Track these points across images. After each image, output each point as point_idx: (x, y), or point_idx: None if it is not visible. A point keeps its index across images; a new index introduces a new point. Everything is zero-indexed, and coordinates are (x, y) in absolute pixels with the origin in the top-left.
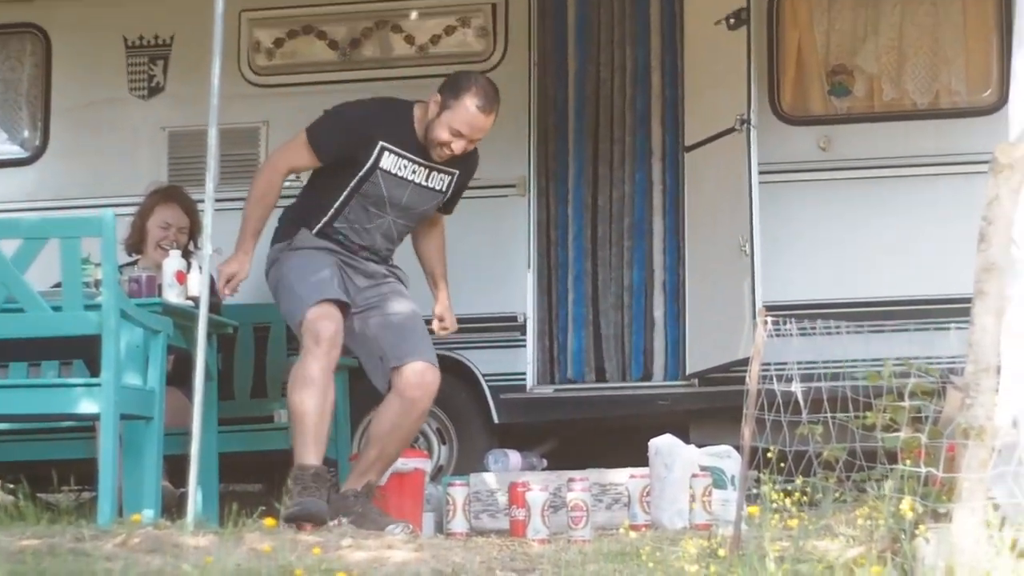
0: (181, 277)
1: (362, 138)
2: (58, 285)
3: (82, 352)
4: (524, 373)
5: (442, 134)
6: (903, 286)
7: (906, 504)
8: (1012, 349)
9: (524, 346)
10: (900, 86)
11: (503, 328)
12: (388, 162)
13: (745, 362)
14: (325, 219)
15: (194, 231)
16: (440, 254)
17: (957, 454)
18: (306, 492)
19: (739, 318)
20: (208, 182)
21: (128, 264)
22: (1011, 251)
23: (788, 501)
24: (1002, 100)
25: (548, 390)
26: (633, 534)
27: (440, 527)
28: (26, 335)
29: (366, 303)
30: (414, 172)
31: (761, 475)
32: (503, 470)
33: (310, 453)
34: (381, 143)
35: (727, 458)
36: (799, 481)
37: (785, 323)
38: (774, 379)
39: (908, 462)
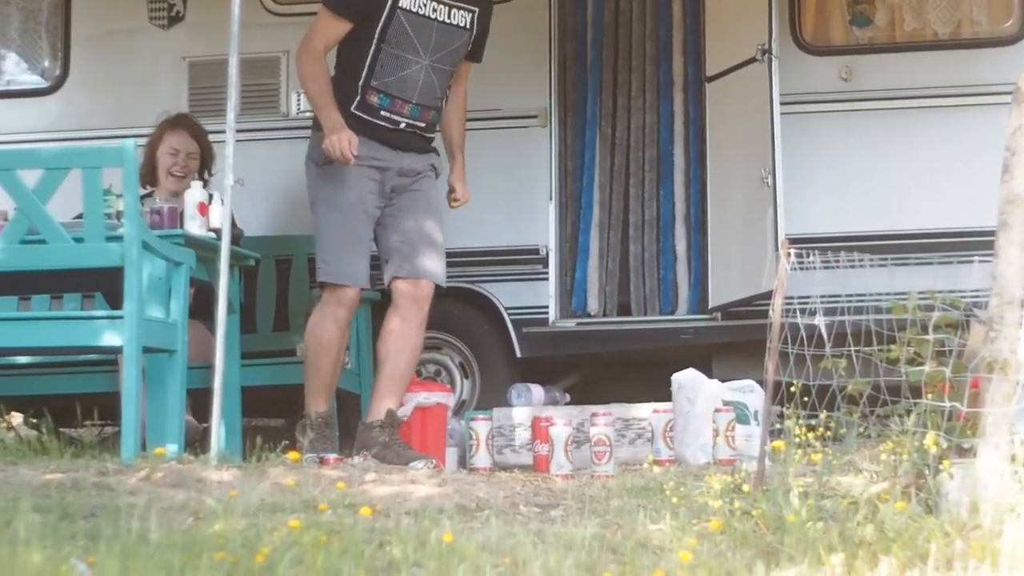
0: (203, 208)
1: None
2: (80, 216)
3: (104, 284)
4: (546, 306)
5: None
6: (926, 218)
7: (930, 439)
8: None
9: (546, 279)
10: (921, 16)
11: (525, 261)
12: (407, 1)
13: (768, 295)
14: (361, 82)
15: (205, 157)
16: (459, 121)
17: (981, 388)
18: (319, 439)
19: (762, 251)
20: (229, 112)
21: (144, 196)
22: None
23: (812, 436)
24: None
25: (570, 324)
26: (657, 469)
27: (463, 462)
28: (48, 267)
29: (393, 205)
30: (435, 10)
31: (784, 410)
32: (526, 404)
33: (322, 401)
34: None
35: (750, 392)
36: (823, 416)
37: (808, 256)
38: (797, 312)
39: (932, 396)
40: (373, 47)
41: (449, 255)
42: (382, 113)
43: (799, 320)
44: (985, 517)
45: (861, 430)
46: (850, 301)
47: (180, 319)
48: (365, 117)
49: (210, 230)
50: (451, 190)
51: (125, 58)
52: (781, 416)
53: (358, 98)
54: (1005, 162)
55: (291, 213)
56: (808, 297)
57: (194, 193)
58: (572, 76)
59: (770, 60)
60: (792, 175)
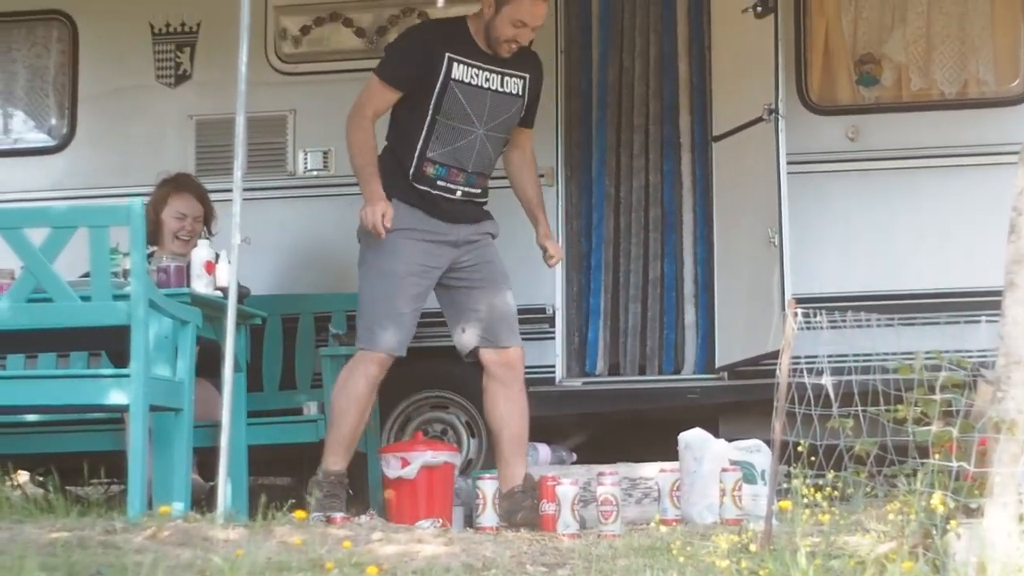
0: (210, 267)
1: (429, 55)
2: (86, 275)
3: (111, 342)
4: (553, 366)
5: (506, 30)
6: (933, 278)
7: (937, 499)
8: None
9: (553, 338)
10: (928, 76)
11: (532, 320)
12: (460, 72)
13: (775, 355)
14: (417, 153)
15: (208, 217)
16: (534, 183)
17: (988, 448)
18: (329, 499)
19: (768, 310)
20: (236, 170)
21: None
22: None
23: (819, 496)
24: None
25: (577, 383)
26: (663, 528)
27: (470, 521)
28: (55, 325)
29: (463, 279)
30: (487, 79)
31: (792, 469)
32: (532, 463)
33: (340, 459)
34: (448, 55)
35: (757, 452)
36: (830, 475)
37: (815, 315)
38: (804, 372)
39: (939, 456)
40: (428, 119)
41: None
42: (439, 183)
43: (806, 380)
44: None
45: (868, 490)
46: (857, 361)
47: (187, 377)
48: (423, 189)
49: (217, 289)
50: (544, 250)
51: (132, 116)
52: (788, 476)
53: (413, 170)
54: (1012, 222)
55: (298, 272)
56: (815, 357)
57: (201, 252)
58: (577, 136)
59: (776, 120)
60: (799, 235)
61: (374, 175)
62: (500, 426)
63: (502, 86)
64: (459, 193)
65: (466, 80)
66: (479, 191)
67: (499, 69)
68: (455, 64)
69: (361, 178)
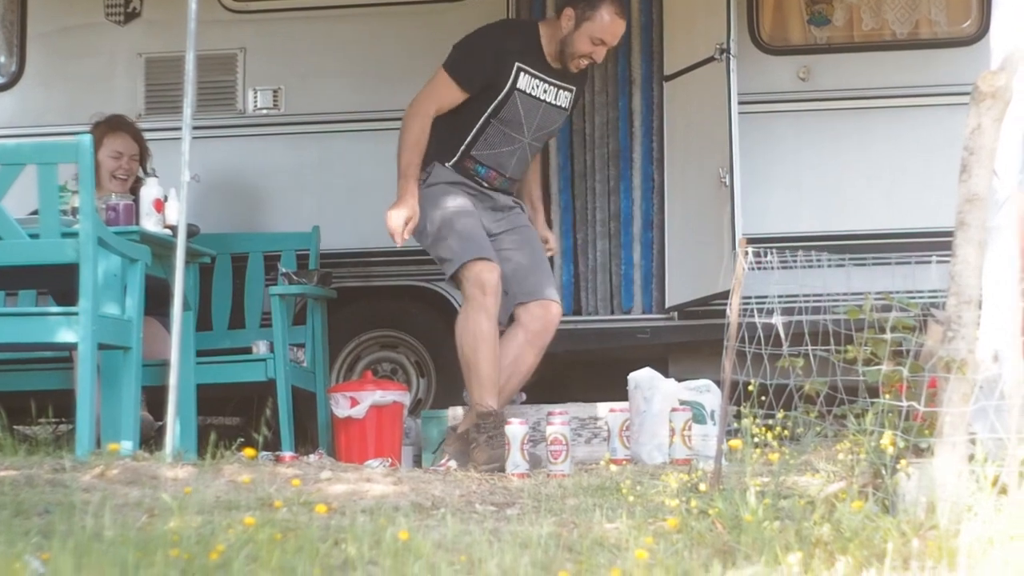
0: (159, 205)
1: (500, 62)
2: (35, 212)
3: (60, 281)
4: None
5: (583, 46)
6: (884, 218)
7: (887, 439)
8: (994, 282)
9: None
10: (880, 16)
11: None
12: (524, 83)
13: (725, 295)
14: (463, 148)
15: (143, 156)
16: (537, 178)
17: (938, 388)
18: (492, 439)
19: (719, 250)
20: (186, 108)
21: None
22: (992, 182)
23: (769, 436)
24: (981, 31)
25: None
26: (613, 468)
27: (419, 460)
28: (3, 263)
29: (495, 238)
30: (545, 91)
31: (741, 409)
32: None
33: (489, 397)
34: (518, 64)
35: (707, 392)
36: (780, 415)
37: (766, 255)
38: (755, 312)
39: (889, 396)
40: (483, 120)
41: (407, 254)
42: (476, 179)
43: (756, 320)
44: (942, 517)
45: (818, 430)
46: (807, 301)
47: (135, 316)
48: (462, 177)
49: (166, 227)
50: (544, 240)
51: (81, 54)
52: (738, 415)
53: (455, 160)
54: (964, 162)
55: (247, 210)
56: (765, 297)
57: (150, 190)
58: None
59: (728, 59)
60: (749, 175)
61: (414, 176)
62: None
63: (555, 99)
64: (496, 184)
65: (528, 91)
66: (511, 193)
67: (556, 82)
68: (522, 74)
69: (401, 174)
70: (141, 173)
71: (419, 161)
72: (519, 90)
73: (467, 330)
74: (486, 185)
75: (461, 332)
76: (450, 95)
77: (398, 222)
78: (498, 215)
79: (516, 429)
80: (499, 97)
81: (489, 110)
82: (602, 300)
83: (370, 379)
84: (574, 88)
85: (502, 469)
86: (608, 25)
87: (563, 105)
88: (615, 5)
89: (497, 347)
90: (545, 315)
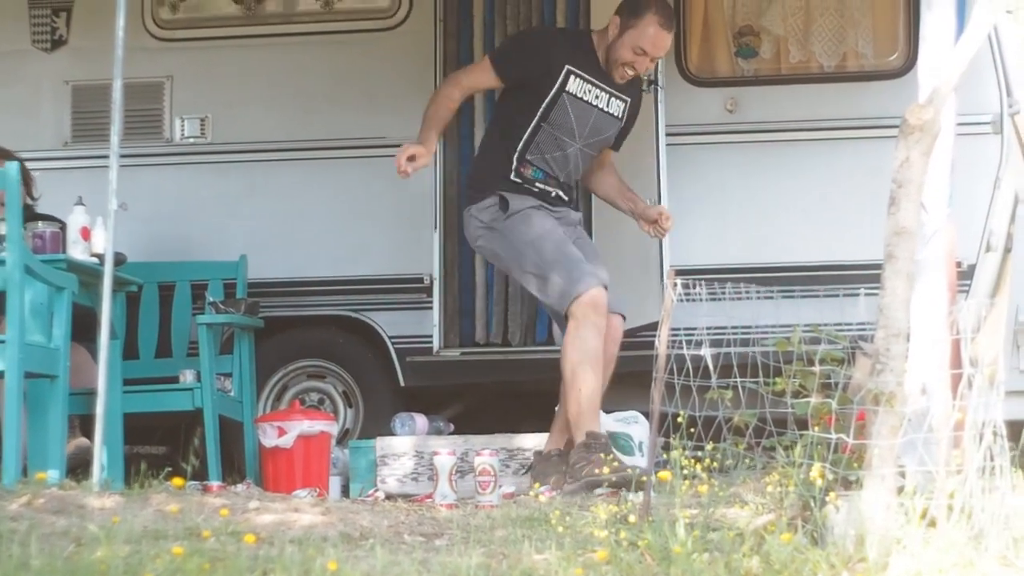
0: (86, 233)
1: (548, 61)
2: None
3: None
4: (430, 336)
5: (626, 54)
6: (812, 251)
7: (816, 471)
8: (922, 315)
9: (431, 308)
10: (807, 48)
11: (410, 290)
12: (574, 86)
13: (652, 327)
14: (517, 154)
15: (28, 185)
16: (623, 182)
17: (867, 421)
18: (593, 456)
19: (647, 281)
20: (113, 136)
21: None
22: (921, 216)
23: (698, 467)
24: (908, 64)
25: (455, 353)
26: (542, 499)
27: (346, 491)
28: None
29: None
30: (597, 97)
31: (670, 441)
32: (409, 434)
33: (596, 423)
34: (567, 66)
35: (635, 423)
36: (709, 447)
37: (694, 287)
38: (683, 343)
39: (818, 428)
40: (534, 124)
41: (334, 283)
42: (537, 185)
43: (685, 351)
44: (871, 549)
45: (747, 462)
46: (736, 333)
47: (62, 344)
48: (523, 184)
49: (93, 255)
50: (659, 216)
51: (7, 81)
52: (667, 447)
53: (514, 168)
54: (892, 194)
55: (174, 239)
56: (694, 328)
57: (77, 217)
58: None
59: (656, 91)
60: (677, 206)
61: (433, 128)
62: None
63: (607, 106)
64: (553, 195)
65: (578, 95)
66: (567, 199)
67: (608, 88)
68: (572, 77)
69: (423, 124)
70: (29, 200)
71: (440, 123)
72: (568, 93)
73: (581, 350)
74: (551, 194)
75: (575, 352)
76: (483, 78)
77: (402, 154)
78: (571, 230)
79: (444, 460)
80: (548, 98)
81: (539, 113)
82: (527, 330)
83: (298, 409)
84: (628, 99)
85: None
86: (652, 36)
87: (616, 114)
88: (660, 16)
89: (601, 365)
90: (610, 329)
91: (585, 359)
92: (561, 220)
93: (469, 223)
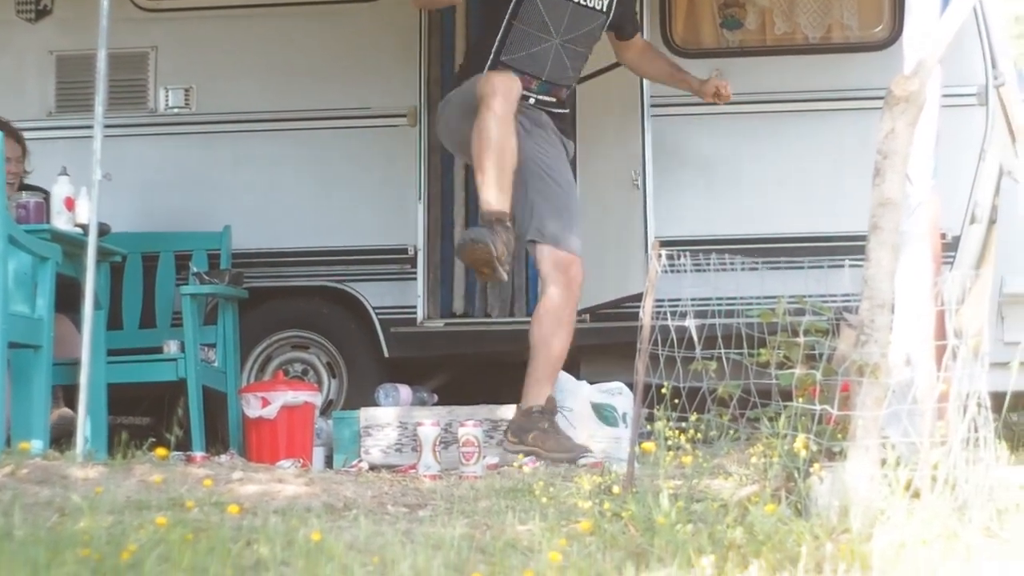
0: (70, 203)
1: None
2: None
3: None
4: (414, 306)
5: None
6: (797, 222)
7: (800, 442)
8: (907, 286)
9: (415, 279)
10: (792, 20)
11: (394, 260)
12: None
13: (637, 298)
14: (491, 56)
15: (24, 156)
16: (672, 64)
17: (851, 392)
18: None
19: (631, 253)
20: (97, 106)
21: None
22: (906, 187)
23: (682, 438)
24: (894, 36)
25: (439, 324)
26: (525, 470)
27: (330, 462)
28: None
29: (532, 166)
30: None
31: (654, 412)
32: (393, 405)
33: (492, 198)
34: None
35: (619, 395)
36: (693, 418)
37: (679, 258)
38: (668, 315)
39: (802, 400)
40: (505, 23)
41: (318, 254)
42: None
43: (669, 322)
44: (855, 521)
45: (731, 433)
46: (720, 304)
47: (46, 315)
48: None
49: (77, 225)
50: (717, 89)
51: None
52: (651, 418)
53: (488, 68)
54: (877, 165)
55: (158, 209)
56: (678, 299)
57: (61, 188)
58: (436, 73)
59: None
60: (662, 177)
61: None
62: (538, 345)
63: (585, 1)
64: (532, 100)
65: None
66: (554, 100)
67: None
68: None
69: None
70: (25, 171)
71: None
72: None
73: (473, 135)
74: (528, 99)
75: (472, 138)
76: None
77: None
78: (538, 129)
79: (428, 431)
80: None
81: (508, 12)
82: (506, 303)
83: (281, 380)
84: None
85: (483, 250)
86: None
87: (596, 7)
88: None
89: (507, 147)
90: (570, 267)
91: (484, 154)
92: (529, 120)
93: (439, 115)
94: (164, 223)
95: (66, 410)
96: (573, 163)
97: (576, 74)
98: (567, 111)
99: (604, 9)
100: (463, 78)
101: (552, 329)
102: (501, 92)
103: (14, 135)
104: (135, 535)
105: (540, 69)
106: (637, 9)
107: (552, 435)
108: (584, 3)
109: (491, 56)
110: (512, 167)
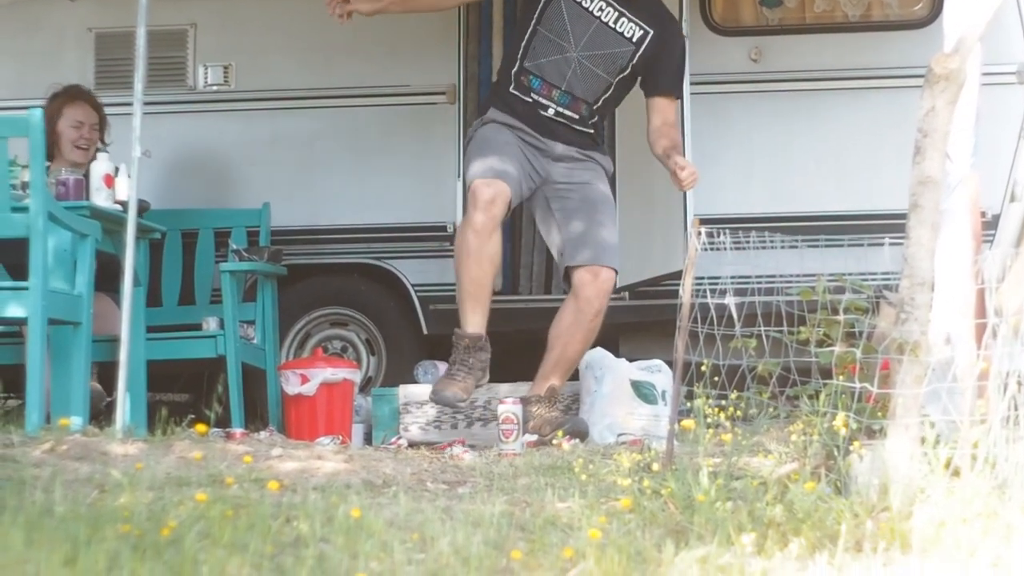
0: (109, 180)
1: None
2: None
3: (9, 256)
4: (453, 284)
5: None
6: (836, 200)
7: (840, 420)
8: (947, 264)
9: (453, 256)
10: None
11: (433, 238)
12: None
13: (676, 275)
14: (517, 61)
15: (103, 127)
16: (672, 141)
17: (891, 370)
18: (459, 362)
19: (671, 230)
20: (136, 83)
21: None
22: (946, 165)
23: (722, 416)
24: (933, 14)
25: None
26: (565, 447)
27: (369, 438)
28: None
29: (558, 187)
30: (601, 9)
31: (694, 389)
32: (432, 382)
33: (468, 321)
34: None
35: (658, 372)
36: (732, 396)
37: (719, 235)
38: (707, 292)
39: (842, 378)
40: (531, 28)
41: (357, 231)
42: (532, 94)
43: (709, 300)
44: (894, 499)
45: (771, 410)
46: (760, 282)
47: (85, 291)
48: (519, 95)
49: (116, 202)
50: (681, 168)
51: (31, 29)
52: (690, 396)
53: (514, 78)
54: (917, 144)
55: (198, 186)
56: (718, 277)
57: (101, 165)
58: (475, 50)
59: None
60: (701, 156)
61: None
62: (554, 341)
63: (614, 23)
64: (551, 111)
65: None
66: (575, 116)
67: (620, 7)
68: None
69: None
70: (100, 144)
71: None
72: None
73: (456, 246)
74: (543, 114)
75: (455, 250)
76: None
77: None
78: (555, 166)
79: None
80: (543, 1)
81: (535, 16)
82: (537, 280)
83: (320, 356)
84: (651, 30)
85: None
86: None
87: (626, 34)
88: None
89: (484, 262)
90: (594, 281)
91: (463, 267)
92: (540, 153)
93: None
94: (203, 200)
95: (95, 385)
96: (613, 154)
97: (597, 98)
98: (591, 130)
99: (634, 40)
100: (489, 93)
101: (571, 332)
102: (481, 207)
103: (90, 101)
104: (175, 511)
105: (560, 79)
106: (673, 74)
107: (547, 421)
108: (612, 26)
109: (517, 63)
110: (492, 277)
